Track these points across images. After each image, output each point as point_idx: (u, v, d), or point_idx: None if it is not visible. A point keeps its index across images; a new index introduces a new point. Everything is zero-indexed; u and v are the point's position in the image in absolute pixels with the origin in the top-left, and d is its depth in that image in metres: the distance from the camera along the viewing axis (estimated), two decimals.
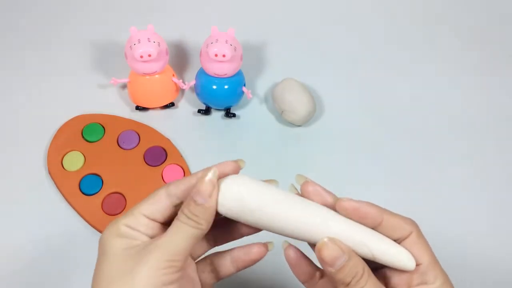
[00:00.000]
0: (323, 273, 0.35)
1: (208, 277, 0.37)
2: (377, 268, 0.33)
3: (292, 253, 0.35)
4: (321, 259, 0.31)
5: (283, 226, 0.32)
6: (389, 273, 0.33)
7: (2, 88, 0.62)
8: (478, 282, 0.49)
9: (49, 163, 0.54)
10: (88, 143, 0.56)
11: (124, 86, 0.62)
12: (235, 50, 0.54)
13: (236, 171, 0.34)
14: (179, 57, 0.66)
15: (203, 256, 0.38)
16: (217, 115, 0.60)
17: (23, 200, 0.53)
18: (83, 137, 0.56)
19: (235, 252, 0.37)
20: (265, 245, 0.36)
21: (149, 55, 0.53)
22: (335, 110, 0.61)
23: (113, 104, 0.60)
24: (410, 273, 0.31)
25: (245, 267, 0.37)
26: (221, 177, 0.33)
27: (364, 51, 0.67)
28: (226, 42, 0.53)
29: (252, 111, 0.61)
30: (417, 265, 0.31)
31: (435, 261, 0.32)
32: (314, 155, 0.57)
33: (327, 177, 0.55)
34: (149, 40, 0.53)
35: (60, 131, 0.57)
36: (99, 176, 0.53)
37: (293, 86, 0.57)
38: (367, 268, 0.31)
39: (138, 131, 0.57)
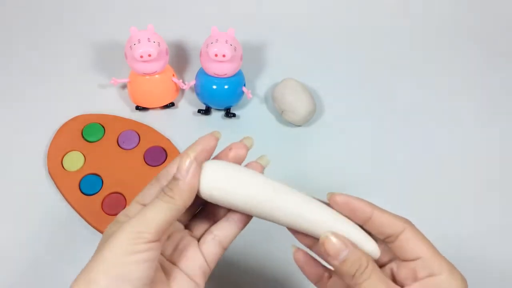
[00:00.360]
0: (331, 273, 0.36)
1: (211, 246, 0.36)
2: (384, 264, 0.34)
3: (301, 256, 0.36)
4: (325, 253, 0.32)
5: (261, 211, 0.34)
6: (395, 268, 0.34)
7: (2, 88, 0.62)
8: (480, 281, 0.49)
9: (49, 163, 0.54)
10: (88, 143, 0.56)
11: (124, 86, 0.62)
12: (235, 50, 0.54)
13: (215, 144, 0.36)
14: (179, 57, 0.66)
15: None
16: (217, 115, 0.60)
17: (23, 200, 0.53)
18: (83, 137, 0.56)
19: (230, 213, 0.37)
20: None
21: (149, 55, 0.53)
22: (335, 110, 0.61)
23: (113, 104, 0.60)
24: (415, 267, 0.32)
25: (244, 226, 0.37)
26: (206, 155, 0.35)
27: (364, 51, 0.67)
28: (226, 42, 0.53)
29: (252, 111, 0.61)
30: (417, 258, 0.32)
31: (437, 253, 0.32)
32: (314, 155, 0.57)
33: (327, 177, 0.55)
34: (149, 40, 0.53)
35: (60, 131, 0.57)
36: (99, 176, 0.53)
37: (293, 86, 0.57)
38: (371, 261, 0.31)
39: (138, 131, 0.57)
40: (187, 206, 0.33)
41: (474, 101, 0.62)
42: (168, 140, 0.57)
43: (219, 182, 0.33)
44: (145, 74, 0.56)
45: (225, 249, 0.36)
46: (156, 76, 0.57)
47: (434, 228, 0.51)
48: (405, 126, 0.60)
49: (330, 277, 0.36)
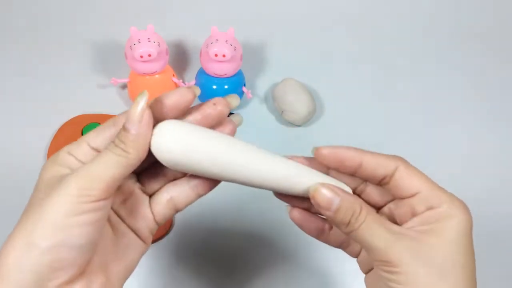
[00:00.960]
0: (331, 225, 0.35)
1: (164, 208, 0.33)
2: (381, 207, 0.33)
3: (297, 214, 0.34)
4: (317, 205, 0.30)
5: (230, 174, 0.31)
6: (393, 208, 0.33)
7: (2, 88, 0.62)
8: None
9: None
10: None
11: (124, 86, 0.62)
12: (235, 50, 0.54)
13: (191, 99, 0.31)
14: (179, 57, 0.66)
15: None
16: None
17: (23, 200, 0.53)
18: None
19: (194, 179, 0.33)
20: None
21: (149, 55, 0.53)
22: (335, 110, 0.61)
23: (113, 104, 0.60)
24: (413, 203, 0.31)
25: (206, 192, 0.34)
26: (176, 113, 0.31)
27: (364, 51, 0.67)
28: (226, 42, 0.53)
29: (252, 111, 0.61)
30: (415, 194, 0.31)
31: (435, 186, 0.31)
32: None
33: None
34: (149, 40, 0.53)
35: (60, 131, 0.57)
36: None
37: (293, 86, 0.57)
38: (364, 204, 0.30)
39: None
40: (141, 160, 0.29)
41: (474, 101, 0.63)
42: None
43: (177, 143, 0.29)
44: (145, 74, 0.56)
45: (178, 211, 0.33)
46: (156, 76, 0.57)
47: None
48: (405, 126, 0.60)
49: (331, 228, 0.35)
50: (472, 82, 0.64)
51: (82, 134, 0.56)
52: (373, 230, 0.30)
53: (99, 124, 0.57)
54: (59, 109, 0.59)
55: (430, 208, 0.30)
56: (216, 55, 0.53)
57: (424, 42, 0.69)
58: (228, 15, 0.70)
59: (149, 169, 0.33)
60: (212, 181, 0.33)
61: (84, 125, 0.57)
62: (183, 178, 0.33)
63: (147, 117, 0.28)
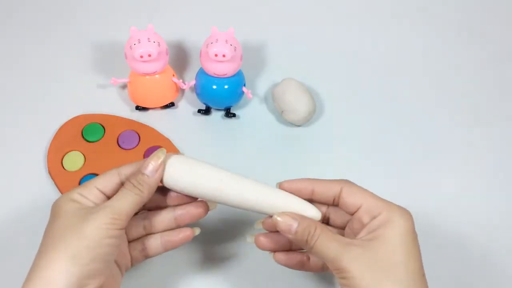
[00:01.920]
0: (308, 255, 0.42)
1: (138, 254, 0.42)
2: (345, 226, 0.40)
3: (281, 256, 0.42)
4: (280, 230, 0.38)
5: (217, 195, 0.40)
6: (351, 224, 0.39)
7: (2, 88, 0.62)
8: (478, 275, 0.49)
9: (49, 163, 0.54)
10: (88, 143, 0.56)
11: (124, 86, 0.62)
12: (235, 50, 0.54)
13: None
14: (179, 57, 0.66)
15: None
16: (217, 115, 0.60)
17: (23, 200, 0.53)
18: (83, 137, 0.56)
19: (165, 234, 0.42)
20: (192, 229, 0.42)
21: (149, 55, 0.53)
22: (335, 110, 0.61)
23: (113, 104, 0.60)
24: (360, 216, 0.37)
25: (173, 248, 0.42)
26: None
27: (364, 51, 0.67)
28: (226, 42, 0.53)
29: (252, 111, 0.61)
30: (359, 208, 0.37)
31: (374, 198, 0.37)
32: (314, 155, 0.57)
33: (327, 177, 0.55)
34: (149, 40, 0.53)
35: (60, 131, 0.57)
36: None
37: (293, 86, 0.57)
38: (319, 225, 0.37)
39: (138, 131, 0.57)
40: (149, 198, 0.39)
41: (474, 101, 0.62)
42: (168, 140, 0.57)
43: (180, 178, 0.40)
44: (145, 74, 0.56)
45: (147, 258, 0.43)
46: (156, 76, 0.57)
47: (433, 225, 0.52)
48: (405, 126, 0.60)
49: (309, 258, 0.42)
50: (473, 83, 0.64)
51: (82, 134, 0.56)
52: (326, 244, 0.36)
53: (99, 124, 0.57)
54: (59, 109, 0.59)
55: (373, 217, 0.36)
56: (216, 55, 0.53)
57: (426, 41, 0.68)
58: (228, 15, 0.70)
59: (132, 220, 0.40)
60: (180, 241, 0.42)
61: (84, 125, 0.57)
62: (156, 234, 0.42)
63: (161, 169, 0.39)
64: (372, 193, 0.38)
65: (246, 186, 0.40)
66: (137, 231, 0.42)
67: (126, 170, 0.40)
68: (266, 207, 0.40)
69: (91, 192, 0.38)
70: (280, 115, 0.59)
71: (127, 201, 0.37)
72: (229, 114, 0.60)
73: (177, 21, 0.68)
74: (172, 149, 0.56)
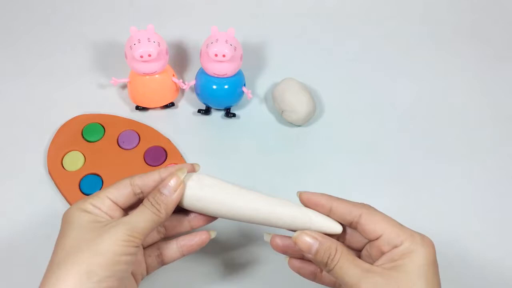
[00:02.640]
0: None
1: (154, 261, 0.41)
2: (362, 248, 0.39)
3: (295, 262, 0.41)
4: (300, 249, 0.37)
5: (237, 215, 0.39)
6: (368, 249, 0.38)
7: (2, 88, 0.62)
8: (477, 283, 0.49)
9: (49, 163, 0.54)
10: (88, 143, 0.56)
11: (124, 86, 0.62)
12: (235, 50, 0.54)
13: (192, 171, 0.40)
14: (179, 57, 0.66)
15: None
16: (217, 115, 0.60)
17: (23, 200, 0.53)
18: (83, 137, 0.56)
19: (181, 239, 0.42)
20: (208, 232, 0.42)
21: (149, 55, 0.53)
22: (335, 110, 0.61)
23: (113, 104, 0.60)
24: (380, 244, 0.36)
25: (190, 253, 0.42)
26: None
27: (364, 51, 0.67)
28: (226, 42, 0.53)
29: (252, 111, 0.61)
30: (379, 236, 0.36)
31: (396, 226, 0.36)
32: (314, 155, 0.57)
33: (327, 177, 0.55)
34: (149, 40, 0.53)
35: (60, 131, 0.57)
36: (99, 176, 0.53)
37: (293, 86, 0.57)
38: (340, 248, 0.36)
39: (138, 131, 0.57)
40: (168, 217, 0.38)
41: (475, 101, 0.62)
42: (168, 140, 0.57)
43: (200, 197, 0.39)
44: (145, 74, 0.56)
45: (164, 265, 0.43)
46: (156, 76, 0.57)
47: (432, 224, 0.52)
48: (405, 126, 0.60)
49: (322, 270, 0.41)
50: (473, 82, 0.64)
51: (82, 134, 0.56)
52: (346, 268, 0.35)
53: (99, 124, 0.57)
54: (59, 109, 0.59)
55: (394, 246, 0.35)
56: (216, 55, 0.53)
57: (426, 42, 0.68)
58: (228, 15, 0.70)
59: None
60: (197, 245, 0.41)
61: (84, 125, 0.57)
62: (172, 239, 0.41)
63: (181, 189, 0.38)
64: (392, 220, 0.37)
65: (267, 202, 0.39)
66: (151, 236, 0.41)
67: (139, 180, 0.38)
68: (289, 223, 0.39)
69: (104, 202, 0.37)
70: (280, 115, 0.59)
71: (145, 219, 0.36)
72: (229, 114, 0.60)
73: (177, 21, 0.68)
74: (172, 149, 0.56)
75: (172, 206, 0.37)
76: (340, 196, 0.38)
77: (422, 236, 0.36)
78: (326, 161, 0.57)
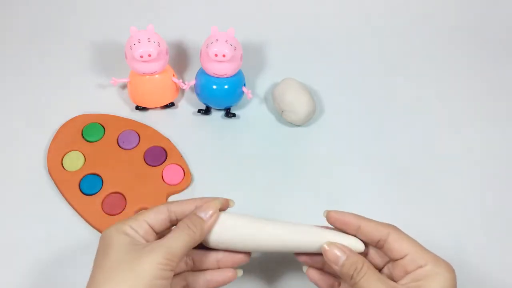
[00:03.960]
0: (340, 281, 0.42)
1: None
2: (383, 267, 0.40)
3: (314, 273, 0.42)
4: (327, 260, 0.38)
5: (262, 248, 0.41)
6: (391, 268, 0.39)
7: (2, 88, 0.62)
8: None
9: (49, 163, 0.54)
10: (88, 143, 0.56)
11: (124, 86, 0.62)
12: (235, 50, 0.54)
13: (226, 206, 0.42)
14: (179, 57, 0.66)
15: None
16: (217, 115, 0.60)
17: (23, 200, 0.53)
18: (83, 137, 0.56)
19: (208, 273, 0.42)
20: (235, 271, 0.42)
21: (149, 55, 0.53)
22: (335, 110, 0.61)
23: (113, 104, 0.60)
24: (404, 264, 0.37)
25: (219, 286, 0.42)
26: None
27: (364, 51, 0.67)
28: (226, 42, 0.53)
29: (252, 111, 0.61)
30: (405, 256, 0.37)
31: (421, 248, 0.38)
32: (314, 155, 0.57)
33: (327, 177, 0.55)
34: (149, 40, 0.53)
35: (60, 131, 0.57)
36: (99, 176, 0.53)
37: (293, 86, 0.57)
38: (366, 263, 0.37)
39: (138, 131, 0.57)
40: (199, 242, 0.39)
41: (475, 101, 0.62)
42: (168, 140, 0.57)
43: (223, 240, 0.40)
44: (145, 74, 0.56)
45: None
46: (156, 76, 0.57)
47: (431, 224, 0.52)
48: (405, 126, 0.60)
49: (339, 284, 0.42)
50: (474, 83, 0.64)
51: (82, 134, 0.56)
52: (371, 284, 0.36)
53: (99, 124, 0.57)
54: (59, 109, 0.59)
55: (418, 267, 0.37)
56: (216, 55, 0.53)
57: (426, 42, 0.68)
58: (228, 15, 0.70)
59: None
60: (223, 281, 0.42)
61: (84, 125, 0.57)
62: (199, 272, 0.42)
63: (215, 217, 0.39)
64: (418, 242, 0.38)
65: (290, 231, 0.40)
66: (180, 266, 0.42)
67: (176, 207, 0.40)
68: (316, 248, 0.40)
69: (142, 226, 0.38)
70: (280, 115, 0.59)
71: (181, 242, 0.37)
72: (229, 114, 0.60)
73: (177, 21, 0.68)
74: (172, 149, 0.56)
75: (206, 231, 0.39)
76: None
77: (445, 261, 0.37)
78: (326, 161, 0.57)
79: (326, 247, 0.38)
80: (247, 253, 0.42)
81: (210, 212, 0.39)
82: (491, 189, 0.55)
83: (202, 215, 0.38)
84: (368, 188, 0.55)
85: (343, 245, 0.38)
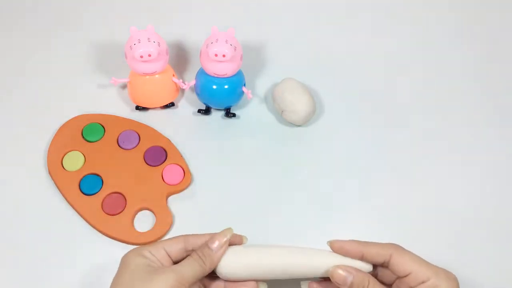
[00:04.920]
0: None
1: None
2: (391, 284, 0.42)
3: (315, 285, 0.43)
4: (335, 282, 0.40)
5: (278, 273, 0.42)
6: (399, 283, 0.41)
7: (2, 88, 0.62)
8: None
9: (49, 163, 0.54)
10: (88, 143, 0.56)
11: (124, 86, 0.62)
12: (235, 50, 0.54)
13: (239, 241, 0.44)
14: (179, 57, 0.66)
15: None
16: (217, 115, 0.60)
17: (23, 200, 0.53)
18: (83, 137, 0.56)
19: (230, 284, 0.43)
20: (258, 283, 0.43)
21: (149, 55, 0.53)
22: (335, 110, 0.61)
23: (113, 104, 0.60)
24: (409, 281, 0.40)
25: None
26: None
27: (364, 51, 0.67)
28: (226, 42, 0.53)
29: (252, 111, 0.61)
30: (409, 273, 0.40)
31: (423, 264, 0.40)
32: (314, 155, 0.57)
33: (327, 177, 0.55)
34: (149, 40, 0.53)
35: (60, 131, 0.57)
36: (99, 176, 0.53)
37: (293, 86, 0.57)
38: (372, 280, 0.40)
39: (138, 131, 0.57)
40: (209, 272, 0.41)
41: (475, 101, 0.62)
42: (168, 140, 0.57)
43: (233, 277, 0.42)
44: (145, 74, 0.56)
45: None
46: (156, 76, 0.57)
47: (431, 225, 0.52)
48: (405, 126, 0.60)
49: None
50: (473, 81, 0.64)
51: (82, 134, 0.56)
52: None
53: (99, 124, 0.57)
54: (59, 109, 0.59)
55: (421, 282, 0.39)
56: (216, 55, 0.53)
57: (426, 41, 0.68)
58: (228, 15, 0.70)
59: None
60: None
61: (84, 125, 0.57)
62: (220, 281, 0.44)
63: (226, 247, 0.42)
64: (420, 258, 0.40)
65: (296, 259, 0.42)
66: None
67: (193, 239, 0.43)
68: (323, 273, 0.42)
69: (159, 252, 0.41)
70: (280, 115, 0.59)
71: (191, 270, 0.40)
72: (229, 114, 0.60)
73: (177, 21, 0.68)
74: (172, 149, 0.56)
75: (216, 261, 0.41)
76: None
77: (447, 272, 0.40)
78: (326, 161, 0.57)
79: (332, 270, 0.41)
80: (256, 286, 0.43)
81: (217, 243, 0.41)
82: (494, 193, 0.55)
83: (212, 246, 0.41)
84: (368, 187, 0.55)
85: (349, 266, 0.41)
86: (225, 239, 0.42)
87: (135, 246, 0.49)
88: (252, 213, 0.53)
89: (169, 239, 0.43)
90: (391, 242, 0.42)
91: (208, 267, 0.41)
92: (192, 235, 0.43)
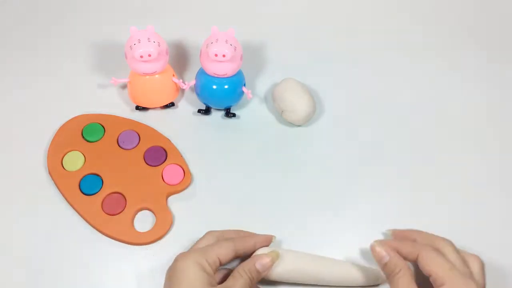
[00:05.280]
0: None
1: None
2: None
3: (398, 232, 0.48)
4: (373, 256, 0.45)
5: (318, 278, 0.47)
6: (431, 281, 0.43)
7: (2, 88, 0.62)
8: None
9: (49, 163, 0.54)
10: (88, 143, 0.56)
11: (124, 86, 0.62)
12: (235, 50, 0.54)
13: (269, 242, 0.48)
14: (179, 57, 0.66)
15: None
16: (217, 115, 0.60)
17: (23, 200, 0.53)
18: (83, 137, 0.56)
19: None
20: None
21: (149, 55, 0.53)
22: (335, 110, 0.61)
23: (113, 104, 0.60)
24: (432, 281, 0.42)
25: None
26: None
27: (364, 51, 0.67)
28: (226, 42, 0.53)
29: (252, 111, 0.61)
30: (430, 275, 0.42)
31: (440, 269, 0.42)
32: (314, 155, 0.57)
33: (327, 177, 0.55)
34: (149, 40, 0.53)
35: (60, 131, 0.57)
36: (99, 176, 0.53)
37: (293, 86, 0.57)
38: (406, 267, 0.43)
39: (138, 131, 0.57)
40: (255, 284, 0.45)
41: (475, 102, 0.62)
42: (168, 140, 0.57)
43: (285, 271, 0.46)
44: (145, 74, 0.56)
45: None
46: (156, 76, 0.57)
47: (432, 225, 0.52)
48: (405, 125, 0.60)
49: None
50: (473, 82, 0.64)
51: (82, 134, 0.56)
52: (402, 286, 0.42)
53: (99, 124, 0.57)
54: (59, 109, 0.59)
55: (439, 285, 0.41)
56: (216, 55, 0.53)
57: (425, 42, 0.68)
58: (228, 15, 0.70)
59: None
60: None
61: (84, 125, 0.57)
62: None
63: (270, 267, 0.45)
64: (441, 261, 0.42)
65: (336, 270, 0.47)
66: None
67: (240, 245, 0.46)
68: (359, 282, 0.47)
69: (215, 261, 0.44)
70: (280, 115, 0.59)
71: (239, 285, 0.43)
72: (229, 114, 0.60)
73: (177, 21, 0.68)
74: (172, 149, 0.56)
75: (260, 277, 0.45)
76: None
77: (463, 279, 0.41)
78: (326, 161, 0.57)
79: (374, 245, 0.45)
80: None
81: (265, 266, 0.44)
82: (497, 187, 0.55)
83: (259, 267, 0.44)
84: (368, 187, 0.55)
85: (390, 247, 0.44)
86: (272, 262, 0.45)
87: (135, 246, 0.50)
88: (252, 213, 0.53)
89: (220, 246, 0.45)
90: (441, 236, 0.45)
91: (255, 283, 0.44)
92: (238, 239, 0.46)
